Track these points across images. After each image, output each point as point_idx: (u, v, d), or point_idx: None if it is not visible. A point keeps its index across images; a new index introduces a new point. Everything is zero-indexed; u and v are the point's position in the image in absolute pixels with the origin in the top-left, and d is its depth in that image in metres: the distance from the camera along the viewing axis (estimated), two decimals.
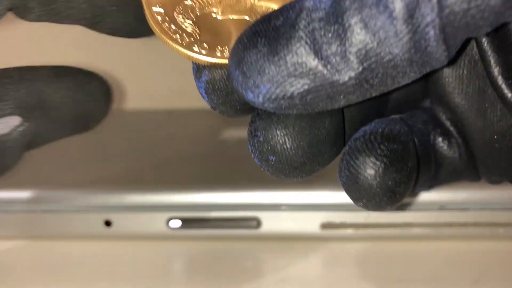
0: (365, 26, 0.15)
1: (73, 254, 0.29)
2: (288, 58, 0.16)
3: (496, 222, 0.28)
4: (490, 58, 0.19)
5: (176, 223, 0.29)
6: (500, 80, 0.19)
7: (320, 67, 0.16)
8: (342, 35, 0.15)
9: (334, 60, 0.15)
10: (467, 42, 0.17)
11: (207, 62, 0.18)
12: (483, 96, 0.21)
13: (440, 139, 0.22)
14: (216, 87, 0.19)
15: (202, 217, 0.29)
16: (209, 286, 0.26)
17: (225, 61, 0.18)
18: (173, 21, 0.18)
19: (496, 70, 0.19)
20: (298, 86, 0.16)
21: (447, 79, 0.21)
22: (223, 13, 0.19)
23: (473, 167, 0.22)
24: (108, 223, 0.29)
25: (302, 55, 0.16)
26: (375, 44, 0.15)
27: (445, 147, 0.22)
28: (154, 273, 0.27)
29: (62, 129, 0.24)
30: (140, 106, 0.50)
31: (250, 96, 0.17)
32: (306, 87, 0.16)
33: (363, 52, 0.15)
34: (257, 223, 0.29)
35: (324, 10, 0.16)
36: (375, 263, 0.28)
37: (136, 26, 0.22)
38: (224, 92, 0.19)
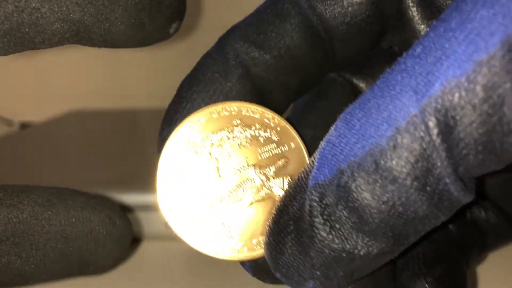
0: (379, 202, 0.15)
1: None
2: (319, 254, 0.16)
3: None
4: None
5: None
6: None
7: (353, 253, 0.15)
8: (359, 217, 0.15)
9: (362, 243, 0.15)
10: None
11: (250, 258, 0.19)
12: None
13: (475, 210, 0.21)
14: (262, 269, 0.19)
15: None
16: (209, 286, 0.26)
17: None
18: (205, 218, 0.19)
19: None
20: (341, 274, 0.16)
21: None
22: (243, 199, 0.19)
23: None
24: None
25: (331, 247, 0.16)
26: (395, 218, 0.15)
27: (483, 217, 0.21)
28: (154, 273, 0.27)
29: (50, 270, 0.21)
30: (140, 106, 0.50)
31: None
32: (348, 271, 0.16)
33: (388, 227, 0.15)
34: None
35: (332, 194, 0.15)
36: None
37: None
38: (272, 273, 0.18)
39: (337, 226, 0.15)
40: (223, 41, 0.21)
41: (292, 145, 0.20)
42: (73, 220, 0.21)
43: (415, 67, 0.14)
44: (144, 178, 0.32)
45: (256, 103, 0.20)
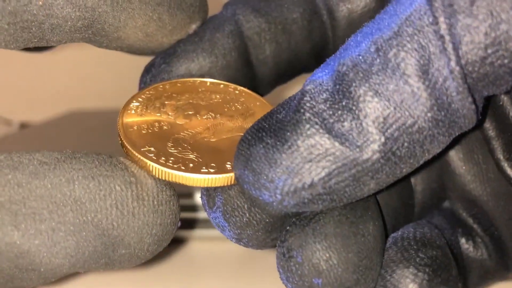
0: (377, 93, 0.14)
1: None
2: (299, 142, 0.14)
3: None
4: (492, 141, 0.17)
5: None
6: (503, 161, 0.17)
7: (337, 146, 0.14)
8: (353, 108, 0.14)
9: (351, 136, 0.14)
10: (474, 127, 0.15)
11: (220, 179, 0.17)
12: (504, 181, 0.18)
13: (463, 240, 0.19)
14: (236, 205, 0.17)
15: (202, 217, 0.29)
16: (209, 286, 0.26)
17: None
18: (170, 154, 0.17)
19: (498, 151, 0.17)
20: (318, 171, 0.14)
21: (463, 168, 0.19)
22: (215, 135, 0.18)
23: (505, 266, 0.19)
24: None
25: (314, 136, 0.14)
26: (392, 109, 0.13)
27: (471, 249, 0.19)
28: (154, 272, 0.27)
29: None
30: None
31: (266, 195, 0.15)
32: (326, 170, 0.14)
33: (381, 120, 0.14)
34: None
35: (328, 91, 0.14)
36: None
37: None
38: (246, 208, 0.16)
39: (326, 117, 0.14)
40: (227, 3, 0.21)
41: (258, 103, 0.20)
42: (87, 179, 0.16)
43: None
44: None
45: (241, 65, 0.20)
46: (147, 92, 0.20)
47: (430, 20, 0.13)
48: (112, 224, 0.16)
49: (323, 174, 0.14)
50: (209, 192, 0.17)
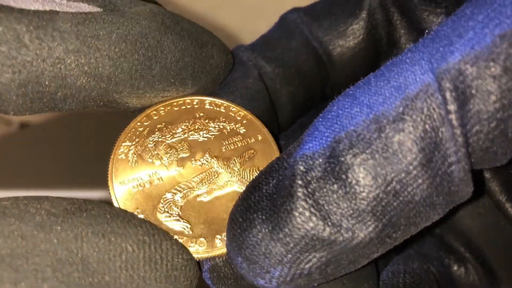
0: (374, 178, 0.13)
1: None
2: (294, 232, 0.13)
3: None
4: (488, 182, 0.17)
5: None
6: (505, 203, 0.17)
7: (334, 235, 0.13)
8: (349, 193, 0.13)
9: (347, 224, 0.13)
10: None
11: (210, 256, 0.16)
12: (497, 212, 0.18)
13: (455, 266, 0.19)
14: (222, 274, 0.16)
15: None
16: None
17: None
18: (159, 223, 0.16)
19: (497, 192, 0.17)
20: (314, 260, 0.14)
21: None
22: (209, 193, 0.17)
23: None
24: None
25: (309, 223, 0.13)
26: (391, 196, 0.13)
27: (463, 275, 0.19)
28: None
29: None
30: None
31: (261, 282, 0.14)
32: (323, 260, 0.13)
33: (379, 208, 0.13)
34: None
35: (321, 169, 0.13)
36: None
37: None
38: (232, 279, 0.16)
39: (321, 202, 0.13)
40: (234, 53, 0.20)
41: (259, 137, 0.18)
42: (96, 236, 0.14)
43: (429, 45, 0.13)
44: None
45: (267, 110, 0.19)
46: (139, 124, 0.18)
47: (438, 102, 0.13)
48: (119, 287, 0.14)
49: (319, 263, 0.14)
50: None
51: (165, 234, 0.15)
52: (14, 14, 0.15)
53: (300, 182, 0.13)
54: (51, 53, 0.15)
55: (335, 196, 0.13)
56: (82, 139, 0.44)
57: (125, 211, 0.15)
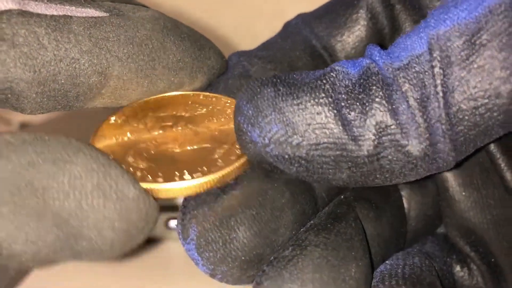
0: (389, 104, 0.14)
1: None
2: (309, 104, 0.14)
3: None
4: (501, 162, 0.17)
5: (175, 223, 0.29)
6: None
7: (338, 125, 0.14)
8: (365, 105, 0.14)
9: (352, 125, 0.14)
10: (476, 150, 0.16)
11: (168, 189, 0.16)
12: (508, 203, 0.18)
13: (458, 267, 0.19)
14: (210, 239, 0.16)
15: None
16: (209, 286, 0.26)
17: (190, 183, 0.16)
18: (125, 163, 0.17)
19: (509, 174, 0.17)
20: (311, 136, 0.14)
21: (463, 193, 0.19)
22: (180, 146, 0.18)
23: None
24: None
25: (324, 107, 0.14)
26: (394, 123, 0.14)
27: (466, 277, 0.19)
28: (154, 272, 0.28)
29: None
30: None
31: (255, 134, 0.15)
32: (318, 139, 0.14)
33: (382, 126, 0.14)
34: None
35: (351, 80, 0.15)
36: None
37: None
38: (220, 243, 0.16)
39: (341, 99, 0.15)
40: (230, 57, 0.21)
41: None
42: (47, 163, 0.15)
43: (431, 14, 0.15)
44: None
45: None
46: (135, 104, 0.19)
47: (428, 67, 0.14)
48: (69, 213, 0.15)
49: (313, 141, 0.14)
50: (183, 222, 0.17)
51: (116, 165, 0.15)
52: (34, 18, 0.16)
53: (333, 75, 0.15)
54: (67, 54, 0.17)
55: (352, 101, 0.15)
56: (82, 139, 0.44)
57: (81, 143, 0.16)
